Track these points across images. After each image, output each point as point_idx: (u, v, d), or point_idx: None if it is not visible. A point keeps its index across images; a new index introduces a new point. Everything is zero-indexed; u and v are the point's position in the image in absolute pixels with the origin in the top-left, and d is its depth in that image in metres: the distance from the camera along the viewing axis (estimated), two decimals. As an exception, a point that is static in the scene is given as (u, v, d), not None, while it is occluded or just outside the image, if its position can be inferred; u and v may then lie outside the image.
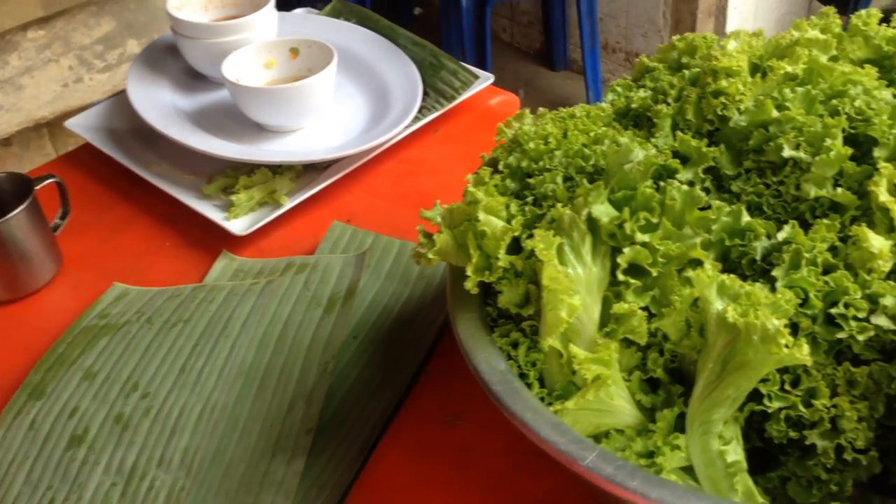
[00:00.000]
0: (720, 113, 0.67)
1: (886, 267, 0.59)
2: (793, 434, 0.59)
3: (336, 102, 1.18)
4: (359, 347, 0.84)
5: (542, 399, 0.61)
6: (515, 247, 0.63)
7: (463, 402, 0.79)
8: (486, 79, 1.20)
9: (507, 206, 0.65)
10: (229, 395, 0.79)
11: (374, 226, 1.01)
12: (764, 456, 0.63)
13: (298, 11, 1.43)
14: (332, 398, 0.79)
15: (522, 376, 0.62)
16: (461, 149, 1.16)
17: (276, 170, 1.07)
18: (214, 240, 1.02)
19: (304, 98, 1.10)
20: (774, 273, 0.60)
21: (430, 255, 0.63)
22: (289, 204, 1.02)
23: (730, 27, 2.86)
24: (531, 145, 0.69)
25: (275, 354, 0.82)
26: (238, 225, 1.01)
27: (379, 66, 1.21)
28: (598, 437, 0.62)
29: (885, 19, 0.73)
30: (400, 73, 1.19)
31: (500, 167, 0.70)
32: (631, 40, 3.05)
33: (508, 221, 0.63)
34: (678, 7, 2.83)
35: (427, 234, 0.65)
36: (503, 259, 0.61)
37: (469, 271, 0.62)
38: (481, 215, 0.61)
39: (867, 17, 0.72)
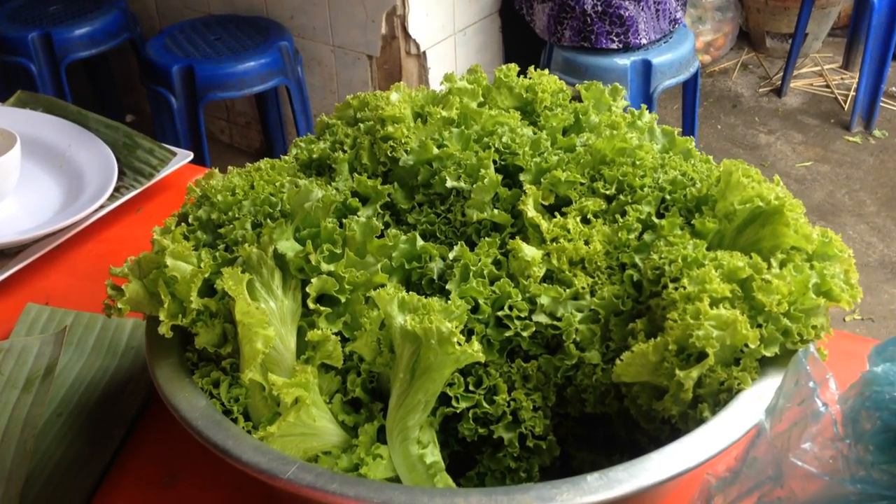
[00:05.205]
0: (390, 155, 0.74)
1: (540, 272, 0.67)
2: (482, 431, 0.65)
3: (26, 189, 1.14)
4: (64, 425, 0.81)
5: (248, 432, 0.63)
6: (209, 291, 0.65)
7: (179, 462, 0.78)
8: (184, 156, 1.21)
9: (198, 254, 0.67)
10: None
11: (76, 305, 0.98)
12: (464, 460, 0.69)
13: (-22, 104, 1.37)
14: (37, 478, 0.75)
15: (227, 413, 0.63)
16: (164, 226, 1.15)
17: (-40, 260, 1.01)
18: None
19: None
20: (448, 287, 0.67)
21: (120, 305, 0.63)
22: (-25, 292, 0.97)
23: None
24: (219, 197, 0.72)
25: (-34, 444, 0.76)
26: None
27: (69, 150, 1.19)
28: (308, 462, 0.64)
29: (523, 72, 0.84)
30: (93, 154, 1.17)
31: (190, 220, 0.72)
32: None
33: (199, 266, 0.65)
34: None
35: (115, 286, 0.65)
36: (196, 301, 0.63)
37: (162, 316, 0.63)
38: (169, 261, 0.63)
39: (507, 71, 0.83)
